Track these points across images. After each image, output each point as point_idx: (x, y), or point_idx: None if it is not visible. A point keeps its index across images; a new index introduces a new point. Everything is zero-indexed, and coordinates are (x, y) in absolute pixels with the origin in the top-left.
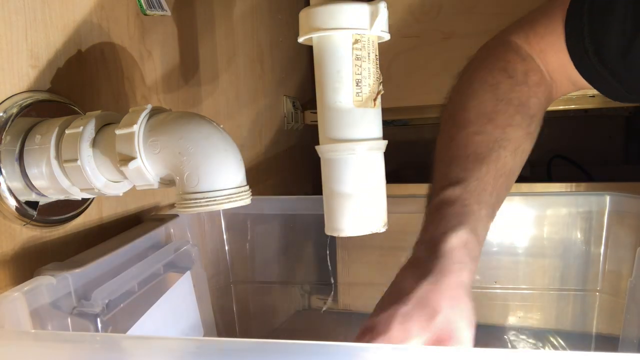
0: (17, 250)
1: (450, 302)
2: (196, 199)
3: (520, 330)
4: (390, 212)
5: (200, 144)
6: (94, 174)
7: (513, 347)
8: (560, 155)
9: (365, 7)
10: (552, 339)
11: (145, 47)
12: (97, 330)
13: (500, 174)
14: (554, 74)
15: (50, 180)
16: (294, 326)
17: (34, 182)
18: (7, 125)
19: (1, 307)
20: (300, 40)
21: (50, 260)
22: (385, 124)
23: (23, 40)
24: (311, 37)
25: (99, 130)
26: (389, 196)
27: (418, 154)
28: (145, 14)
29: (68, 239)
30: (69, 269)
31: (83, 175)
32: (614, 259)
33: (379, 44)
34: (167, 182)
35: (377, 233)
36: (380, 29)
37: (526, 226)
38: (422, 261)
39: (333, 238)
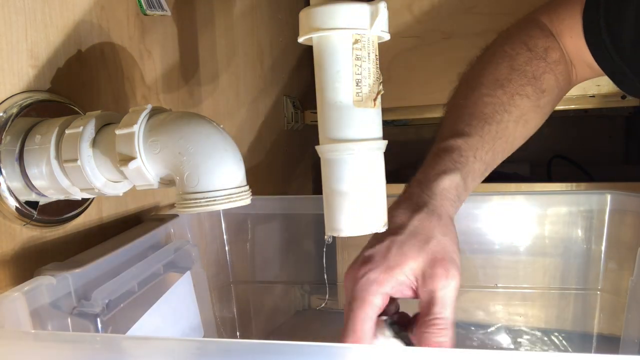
0: (17, 250)
1: (441, 230)
2: (196, 199)
3: (520, 329)
4: None
5: (200, 143)
6: (94, 174)
7: (513, 346)
8: (560, 155)
9: (365, 7)
10: (553, 338)
11: (145, 47)
12: (97, 330)
13: (500, 136)
14: (572, 56)
15: (50, 180)
16: (294, 326)
17: (34, 182)
18: (7, 125)
19: (1, 307)
20: (300, 40)
21: (50, 260)
22: (385, 124)
23: (23, 40)
24: (311, 37)
25: (99, 130)
26: (389, 196)
27: (418, 154)
28: (145, 14)
29: (68, 239)
30: (69, 269)
31: (83, 175)
32: (615, 258)
33: (379, 44)
34: (167, 182)
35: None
36: (380, 29)
37: (527, 225)
38: (415, 196)
39: (333, 238)
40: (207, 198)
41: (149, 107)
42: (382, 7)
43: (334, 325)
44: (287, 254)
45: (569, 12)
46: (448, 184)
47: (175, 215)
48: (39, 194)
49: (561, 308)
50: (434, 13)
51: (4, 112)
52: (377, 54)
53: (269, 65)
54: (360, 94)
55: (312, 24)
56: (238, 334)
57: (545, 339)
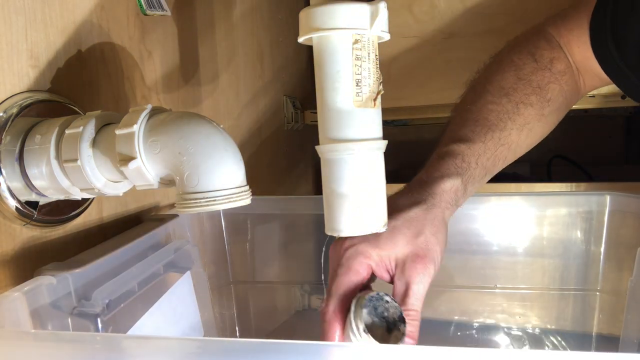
0: (17, 250)
1: (432, 229)
2: (196, 199)
3: (520, 330)
4: None
5: (200, 143)
6: (94, 174)
7: (513, 347)
8: (560, 155)
9: (365, 7)
10: (552, 339)
11: (145, 47)
12: (97, 330)
13: (503, 143)
14: (580, 65)
15: (50, 180)
16: (294, 326)
17: (34, 182)
18: (7, 125)
19: (1, 307)
20: (300, 40)
21: (50, 260)
22: (385, 124)
23: (23, 40)
24: (311, 37)
25: (99, 130)
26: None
27: (418, 154)
28: (145, 14)
29: (68, 239)
30: (69, 269)
31: (83, 175)
32: (614, 259)
33: (379, 44)
34: (167, 182)
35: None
36: (380, 29)
37: (526, 226)
38: (416, 192)
39: (332, 238)
40: (207, 198)
41: (149, 107)
42: (382, 7)
43: None
44: (287, 254)
45: (576, 23)
46: (449, 187)
47: (175, 215)
48: (39, 194)
49: (560, 309)
50: (434, 13)
51: (4, 112)
52: (377, 54)
53: (269, 65)
54: (360, 94)
55: (312, 24)
56: (238, 334)
57: (545, 339)
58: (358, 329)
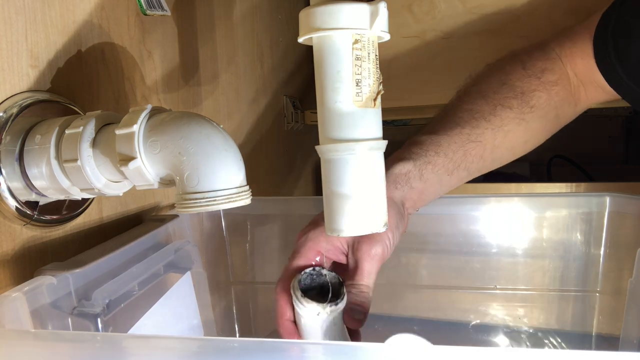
0: (17, 250)
1: None
2: (196, 199)
3: (520, 331)
4: None
5: (201, 144)
6: (94, 174)
7: (513, 347)
8: (560, 155)
9: (365, 7)
10: (552, 339)
11: (146, 47)
12: (97, 330)
13: (474, 139)
14: (583, 77)
15: (50, 180)
16: None
17: (34, 182)
18: (7, 125)
19: (1, 307)
20: (300, 40)
21: (50, 260)
22: (385, 124)
23: (23, 40)
24: (311, 37)
25: (99, 130)
26: None
27: None
28: (145, 14)
29: (68, 239)
30: (69, 269)
31: (83, 175)
32: (614, 260)
33: (379, 44)
34: (167, 182)
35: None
36: (380, 29)
37: (526, 227)
38: None
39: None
40: (207, 198)
41: (149, 107)
42: (382, 7)
43: None
44: (287, 254)
45: (580, 36)
46: (398, 169)
47: (175, 216)
48: (39, 194)
49: (560, 309)
50: (434, 13)
51: (4, 112)
52: (377, 54)
53: (269, 66)
54: (360, 94)
55: (312, 24)
56: (238, 334)
57: (545, 340)
58: (296, 296)
